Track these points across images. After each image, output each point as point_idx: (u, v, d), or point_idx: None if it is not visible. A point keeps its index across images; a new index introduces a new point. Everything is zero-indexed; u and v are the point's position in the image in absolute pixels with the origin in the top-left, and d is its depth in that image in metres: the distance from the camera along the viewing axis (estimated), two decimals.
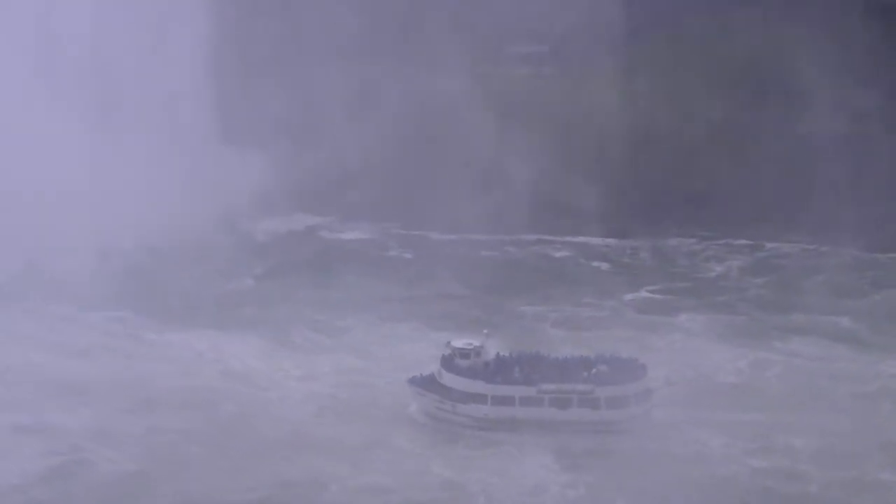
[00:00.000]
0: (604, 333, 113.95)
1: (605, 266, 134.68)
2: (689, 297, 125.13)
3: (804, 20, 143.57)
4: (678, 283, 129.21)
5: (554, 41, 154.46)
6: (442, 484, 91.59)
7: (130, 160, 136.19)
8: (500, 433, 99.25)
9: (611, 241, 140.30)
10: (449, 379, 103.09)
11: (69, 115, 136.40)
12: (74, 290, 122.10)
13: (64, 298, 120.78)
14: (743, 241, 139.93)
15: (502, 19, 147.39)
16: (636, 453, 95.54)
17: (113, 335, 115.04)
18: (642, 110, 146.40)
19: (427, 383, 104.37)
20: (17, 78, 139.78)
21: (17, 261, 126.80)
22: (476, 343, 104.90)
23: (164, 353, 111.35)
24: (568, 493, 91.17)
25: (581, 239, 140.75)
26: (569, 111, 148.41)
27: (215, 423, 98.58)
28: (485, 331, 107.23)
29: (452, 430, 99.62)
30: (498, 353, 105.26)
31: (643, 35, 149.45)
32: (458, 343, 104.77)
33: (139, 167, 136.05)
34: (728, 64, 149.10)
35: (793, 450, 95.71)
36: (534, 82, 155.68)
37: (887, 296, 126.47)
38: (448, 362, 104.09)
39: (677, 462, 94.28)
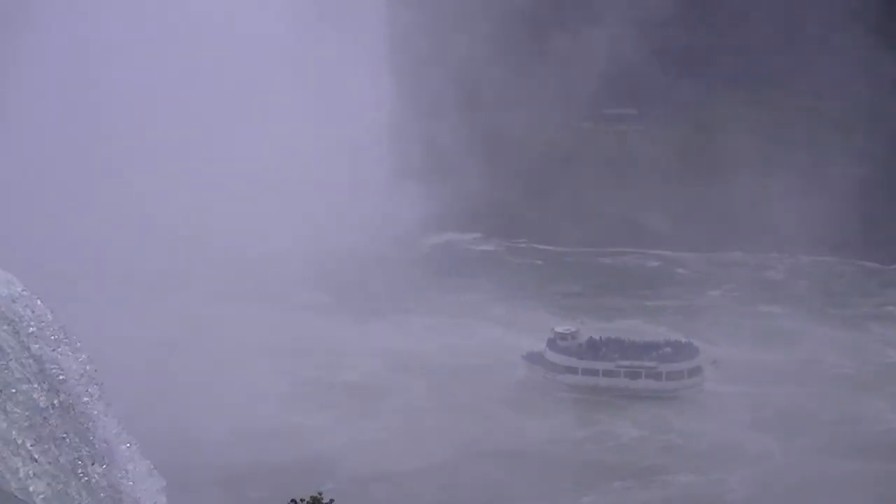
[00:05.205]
0: (719, 319, 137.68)
1: (684, 272, 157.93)
2: (760, 292, 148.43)
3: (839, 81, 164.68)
4: (745, 284, 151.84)
5: (639, 105, 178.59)
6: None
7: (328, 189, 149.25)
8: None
9: (682, 254, 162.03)
10: (551, 355, 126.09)
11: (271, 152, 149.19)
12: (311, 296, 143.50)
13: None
14: (775, 255, 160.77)
15: (599, 87, 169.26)
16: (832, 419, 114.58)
17: (368, 321, 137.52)
18: (707, 156, 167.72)
19: (536, 358, 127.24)
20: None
21: (250, 271, 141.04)
22: (573, 329, 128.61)
23: (426, 332, 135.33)
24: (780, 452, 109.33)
25: (658, 252, 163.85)
26: (650, 158, 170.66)
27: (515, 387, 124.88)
28: (580, 320, 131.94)
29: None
30: (591, 337, 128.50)
31: (709, 99, 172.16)
32: (560, 328, 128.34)
33: (335, 197, 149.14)
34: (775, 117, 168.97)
35: None
36: (624, 136, 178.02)
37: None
38: (552, 343, 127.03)
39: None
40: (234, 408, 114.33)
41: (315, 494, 33.32)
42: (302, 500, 33.00)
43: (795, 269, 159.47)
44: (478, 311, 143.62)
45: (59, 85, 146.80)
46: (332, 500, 33.27)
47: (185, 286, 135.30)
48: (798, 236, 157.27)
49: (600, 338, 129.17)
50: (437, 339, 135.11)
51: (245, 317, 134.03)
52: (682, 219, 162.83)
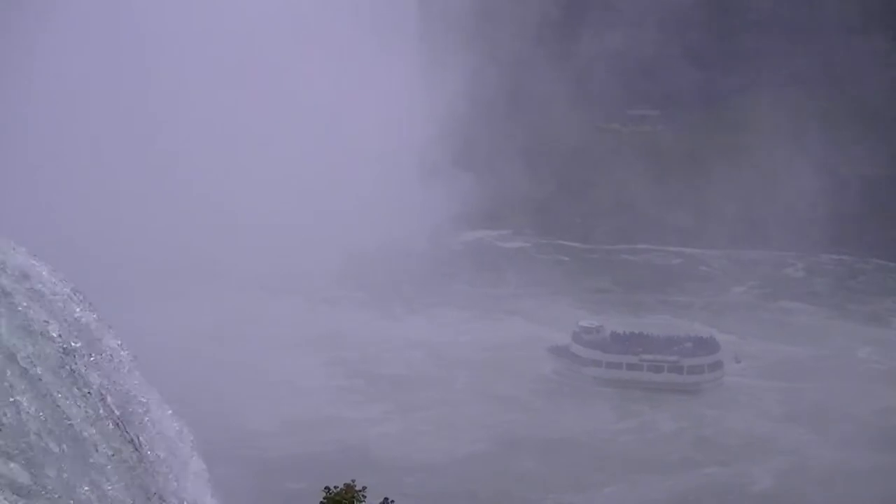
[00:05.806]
0: (744, 315, 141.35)
1: (707, 269, 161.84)
2: (781, 289, 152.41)
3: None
4: (766, 280, 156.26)
5: (663, 106, 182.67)
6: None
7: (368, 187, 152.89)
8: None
9: (704, 251, 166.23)
10: (576, 349, 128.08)
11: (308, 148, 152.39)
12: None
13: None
14: (793, 253, 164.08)
15: (623, 89, 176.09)
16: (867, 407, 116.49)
17: (402, 316, 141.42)
18: (728, 156, 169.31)
19: (561, 351, 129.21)
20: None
21: (285, 265, 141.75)
22: (597, 324, 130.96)
23: (458, 326, 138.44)
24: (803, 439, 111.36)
25: (681, 249, 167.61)
26: (672, 157, 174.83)
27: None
28: (603, 316, 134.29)
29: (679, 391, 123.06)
30: (614, 331, 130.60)
31: (730, 100, 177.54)
32: (584, 323, 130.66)
33: (368, 194, 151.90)
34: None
35: None
36: (648, 136, 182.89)
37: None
38: (577, 336, 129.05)
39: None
40: (273, 399, 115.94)
41: (348, 482, 33.35)
42: (335, 487, 33.10)
43: (814, 266, 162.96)
44: (508, 306, 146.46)
45: (110, 78, 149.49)
46: (364, 487, 33.21)
47: (218, 280, 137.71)
48: (815, 235, 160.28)
49: (623, 332, 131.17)
50: (468, 333, 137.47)
51: (280, 310, 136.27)
52: (704, 217, 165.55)
